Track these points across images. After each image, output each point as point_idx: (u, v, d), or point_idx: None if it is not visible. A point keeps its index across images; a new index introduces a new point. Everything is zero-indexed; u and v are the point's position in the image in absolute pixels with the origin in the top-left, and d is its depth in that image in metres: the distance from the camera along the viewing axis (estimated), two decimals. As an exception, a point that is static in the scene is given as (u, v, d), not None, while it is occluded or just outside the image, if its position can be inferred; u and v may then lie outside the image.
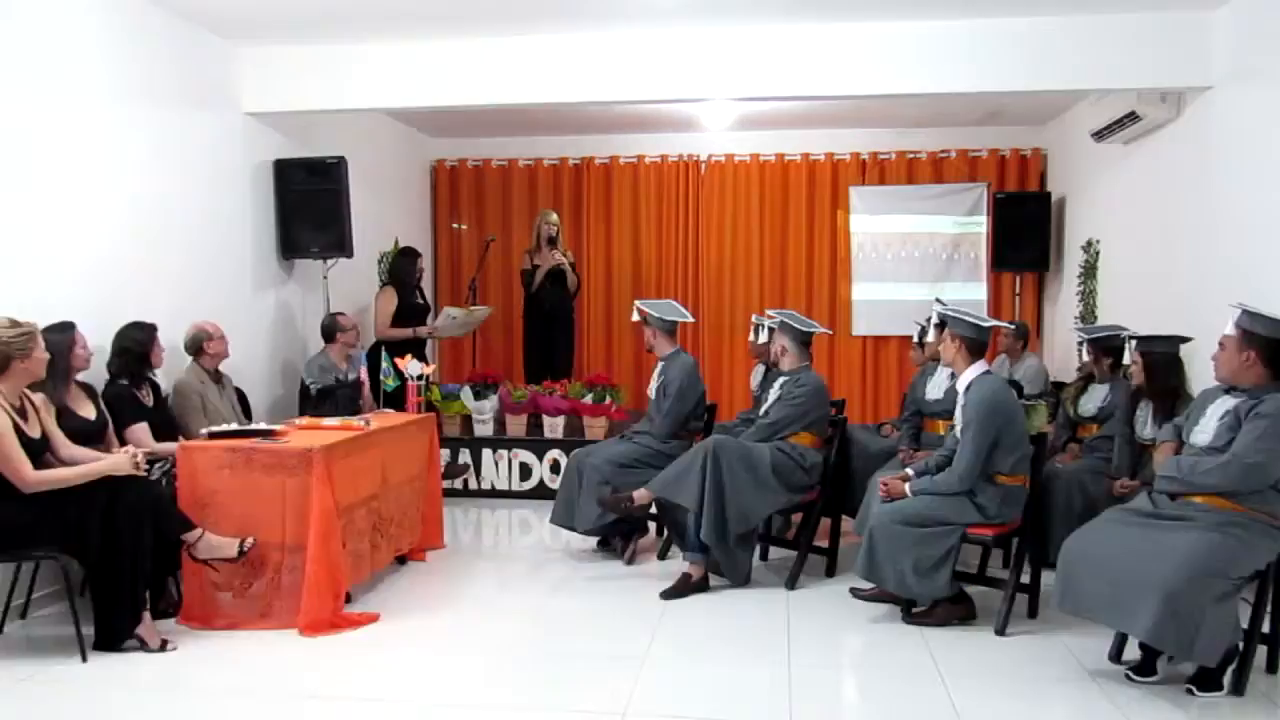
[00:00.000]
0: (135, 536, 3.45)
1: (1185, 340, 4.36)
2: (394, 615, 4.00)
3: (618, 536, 4.93)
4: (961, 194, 7.67)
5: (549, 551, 5.11)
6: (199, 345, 4.61)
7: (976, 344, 3.91)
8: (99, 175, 4.42)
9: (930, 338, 4.87)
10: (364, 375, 5.47)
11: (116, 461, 3.53)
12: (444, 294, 8.31)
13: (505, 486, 6.33)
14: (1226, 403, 3.29)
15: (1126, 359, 4.45)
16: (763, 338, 5.27)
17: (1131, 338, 4.48)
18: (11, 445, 3.34)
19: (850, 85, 5.20)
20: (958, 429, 3.89)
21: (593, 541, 5.07)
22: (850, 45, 5.10)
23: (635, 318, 5.07)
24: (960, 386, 3.91)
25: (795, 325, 4.66)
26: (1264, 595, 3.25)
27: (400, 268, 6.43)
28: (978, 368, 3.89)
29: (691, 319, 5.42)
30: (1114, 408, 4.67)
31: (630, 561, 4.82)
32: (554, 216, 7.17)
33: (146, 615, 3.54)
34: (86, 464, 3.53)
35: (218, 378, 4.70)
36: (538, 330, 7.17)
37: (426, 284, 7.95)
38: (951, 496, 3.81)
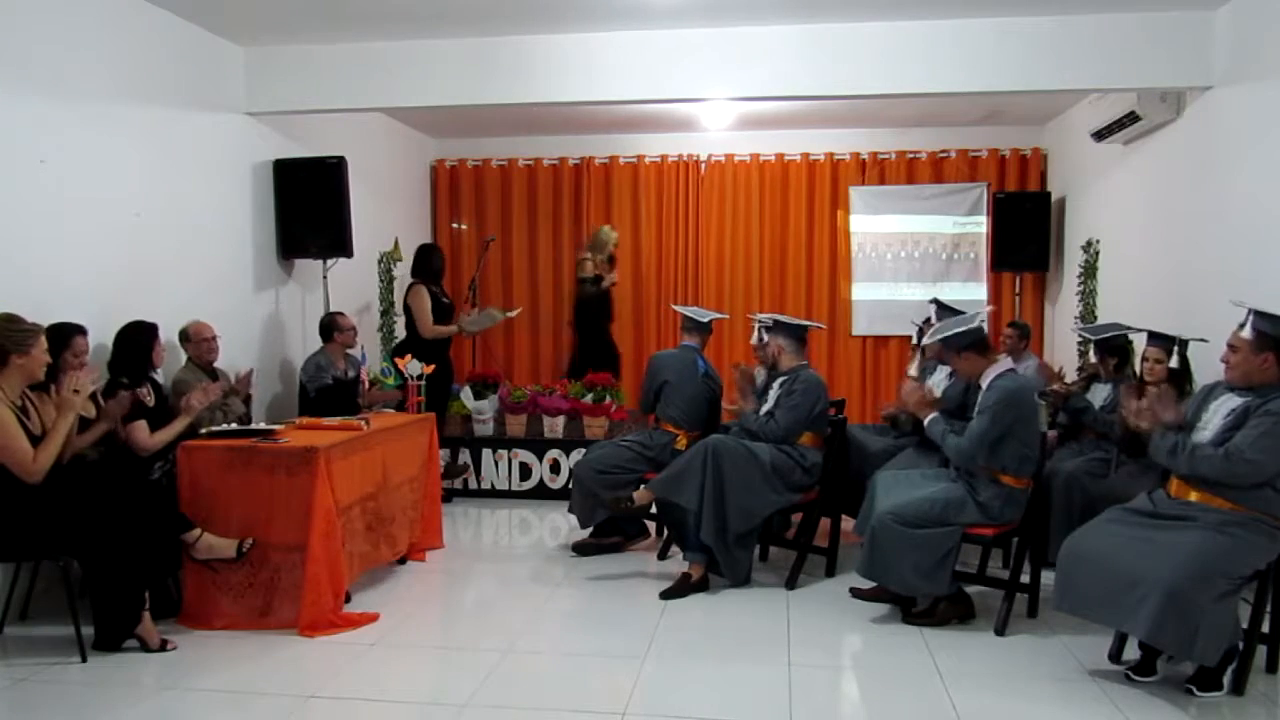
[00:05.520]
0: (135, 536, 3.45)
1: (1188, 342, 4.33)
2: (394, 615, 4.00)
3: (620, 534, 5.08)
4: (961, 194, 7.68)
5: (549, 551, 5.11)
6: (183, 342, 4.66)
7: (980, 344, 3.90)
8: (99, 175, 4.42)
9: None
10: (364, 374, 5.46)
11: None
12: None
13: (505, 486, 6.33)
14: (1231, 400, 3.28)
15: (1162, 357, 4.24)
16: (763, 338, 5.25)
17: (1170, 337, 4.29)
18: (14, 434, 3.34)
19: (850, 85, 5.20)
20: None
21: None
22: (850, 45, 5.10)
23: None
24: (983, 383, 3.91)
25: (789, 323, 4.69)
26: (1264, 595, 3.25)
27: (429, 264, 6.41)
28: (1000, 365, 3.89)
29: (705, 319, 5.24)
30: (1115, 406, 4.65)
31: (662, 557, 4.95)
32: (616, 235, 7.48)
33: (146, 615, 3.53)
34: (94, 429, 3.83)
35: (213, 375, 4.70)
36: (595, 332, 7.29)
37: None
38: (950, 496, 3.82)
